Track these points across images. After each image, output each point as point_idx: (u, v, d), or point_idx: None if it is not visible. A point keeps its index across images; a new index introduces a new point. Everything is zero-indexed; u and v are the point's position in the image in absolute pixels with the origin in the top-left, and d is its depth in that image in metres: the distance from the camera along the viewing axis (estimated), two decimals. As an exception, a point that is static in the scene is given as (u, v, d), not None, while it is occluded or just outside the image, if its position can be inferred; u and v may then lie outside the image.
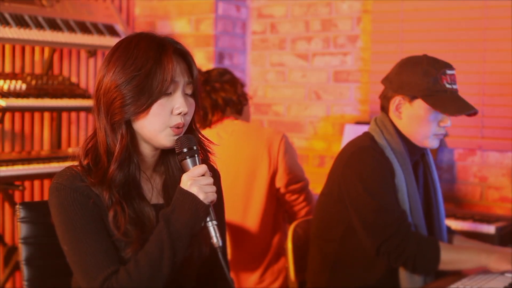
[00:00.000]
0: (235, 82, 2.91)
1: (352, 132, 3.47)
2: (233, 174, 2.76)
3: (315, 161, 3.93)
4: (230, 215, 2.73)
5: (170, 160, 1.67)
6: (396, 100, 2.29)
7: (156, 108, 1.56)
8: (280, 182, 2.77)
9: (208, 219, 1.55)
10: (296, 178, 2.79)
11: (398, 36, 3.63)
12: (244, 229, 2.77)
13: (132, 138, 1.60)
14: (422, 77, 2.24)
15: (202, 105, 2.87)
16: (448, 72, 2.26)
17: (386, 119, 2.33)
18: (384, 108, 2.35)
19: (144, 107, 1.55)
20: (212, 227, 1.55)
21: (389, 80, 2.33)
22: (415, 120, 2.27)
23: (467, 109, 2.24)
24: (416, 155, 2.36)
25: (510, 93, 3.32)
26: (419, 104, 2.26)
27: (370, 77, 3.74)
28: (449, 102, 2.23)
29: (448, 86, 2.25)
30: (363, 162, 2.26)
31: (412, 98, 2.27)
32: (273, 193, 2.78)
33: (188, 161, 1.57)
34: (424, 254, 2.17)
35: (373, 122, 2.36)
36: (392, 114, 2.32)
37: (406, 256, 2.17)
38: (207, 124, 2.89)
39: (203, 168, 1.57)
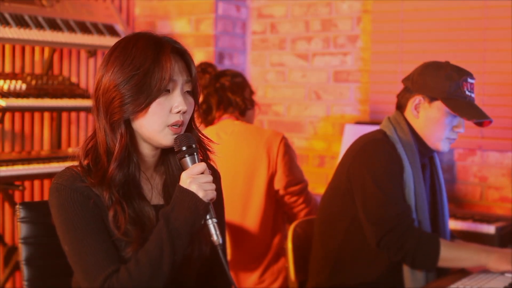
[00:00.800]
0: (245, 86, 2.92)
1: (352, 132, 3.47)
2: (232, 175, 2.75)
3: (315, 161, 3.93)
4: (229, 216, 2.73)
5: (170, 160, 1.68)
6: (416, 99, 2.33)
7: (154, 106, 1.56)
8: (279, 184, 2.76)
9: (208, 216, 1.55)
10: (295, 180, 2.79)
11: (398, 36, 3.63)
12: (243, 229, 2.77)
13: (131, 137, 1.60)
14: (445, 81, 2.29)
15: (208, 101, 2.89)
16: (469, 80, 2.32)
17: (400, 118, 2.37)
18: (401, 107, 2.39)
19: (143, 106, 1.55)
20: (212, 224, 1.55)
21: (410, 79, 2.36)
22: (431, 121, 2.31)
23: (484, 117, 2.29)
24: (426, 156, 2.39)
25: (510, 93, 3.32)
26: (438, 106, 2.30)
27: (370, 77, 3.74)
28: (467, 108, 2.29)
29: (467, 93, 2.31)
30: (373, 154, 2.29)
31: (432, 99, 2.31)
32: (272, 195, 2.78)
33: (187, 159, 1.58)
34: (424, 249, 2.18)
35: (386, 120, 2.39)
36: (409, 112, 2.35)
37: (405, 250, 2.18)
38: (210, 121, 2.90)
39: (202, 166, 1.57)
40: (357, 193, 2.28)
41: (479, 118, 2.29)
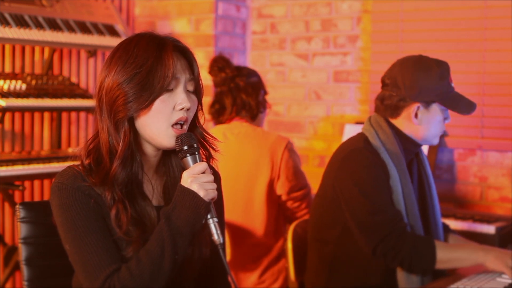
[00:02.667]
0: (259, 88, 2.91)
1: (352, 132, 3.45)
2: (235, 176, 2.75)
3: (315, 161, 3.93)
4: (230, 216, 2.73)
5: (172, 161, 1.68)
6: (414, 108, 2.29)
7: (158, 104, 1.57)
8: (281, 190, 2.76)
9: (209, 216, 1.56)
10: (298, 185, 2.78)
11: (398, 36, 3.63)
12: (244, 230, 2.77)
13: (135, 136, 1.60)
14: (439, 82, 2.28)
15: (221, 101, 2.88)
16: (449, 71, 2.32)
17: (381, 120, 2.33)
18: (393, 114, 2.33)
19: (147, 103, 1.55)
20: (213, 224, 1.56)
21: (402, 87, 2.30)
22: (432, 123, 2.31)
23: (473, 105, 2.33)
24: (412, 154, 2.37)
25: (510, 93, 3.32)
26: (435, 108, 2.30)
27: (370, 77, 3.74)
28: (459, 101, 2.30)
29: (452, 85, 2.32)
30: (357, 163, 2.26)
31: (429, 103, 2.29)
32: (273, 199, 2.77)
33: (189, 158, 1.58)
34: (420, 253, 2.17)
35: (367, 123, 2.36)
36: (404, 120, 2.32)
37: (402, 256, 2.17)
38: (221, 121, 2.89)
39: (203, 165, 1.57)
40: (345, 204, 2.27)
41: (473, 108, 2.32)
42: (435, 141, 2.37)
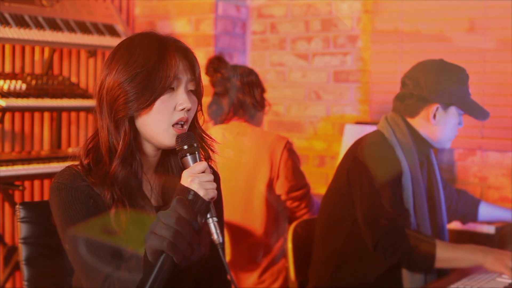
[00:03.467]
0: (256, 86, 2.89)
1: (352, 132, 3.47)
2: (234, 176, 2.75)
3: (315, 161, 3.93)
4: (230, 216, 2.73)
5: (170, 161, 1.68)
6: (434, 108, 2.34)
7: (159, 104, 1.56)
8: (281, 189, 2.75)
9: (208, 215, 1.55)
10: (297, 185, 2.78)
11: (398, 36, 3.62)
12: (243, 230, 2.77)
13: (135, 136, 1.60)
14: (459, 86, 2.34)
15: (218, 102, 2.87)
16: (468, 78, 2.39)
17: (399, 119, 2.37)
18: (412, 113, 2.37)
19: (148, 103, 1.55)
20: (212, 223, 1.55)
21: (424, 87, 2.35)
22: (448, 126, 2.36)
23: (487, 113, 2.39)
24: (423, 155, 2.41)
25: (510, 93, 3.32)
26: (453, 111, 2.35)
27: (370, 77, 3.74)
28: (476, 108, 2.37)
29: (469, 91, 2.39)
30: (372, 158, 2.29)
31: (448, 105, 2.34)
32: (273, 198, 2.77)
33: (189, 158, 1.57)
34: (419, 252, 2.19)
35: (384, 121, 2.39)
36: (421, 120, 2.36)
37: (401, 253, 2.19)
38: (219, 122, 2.88)
39: (203, 164, 1.56)
40: (355, 196, 2.29)
41: (487, 116, 2.37)
42: (448, 145, 2.41)
